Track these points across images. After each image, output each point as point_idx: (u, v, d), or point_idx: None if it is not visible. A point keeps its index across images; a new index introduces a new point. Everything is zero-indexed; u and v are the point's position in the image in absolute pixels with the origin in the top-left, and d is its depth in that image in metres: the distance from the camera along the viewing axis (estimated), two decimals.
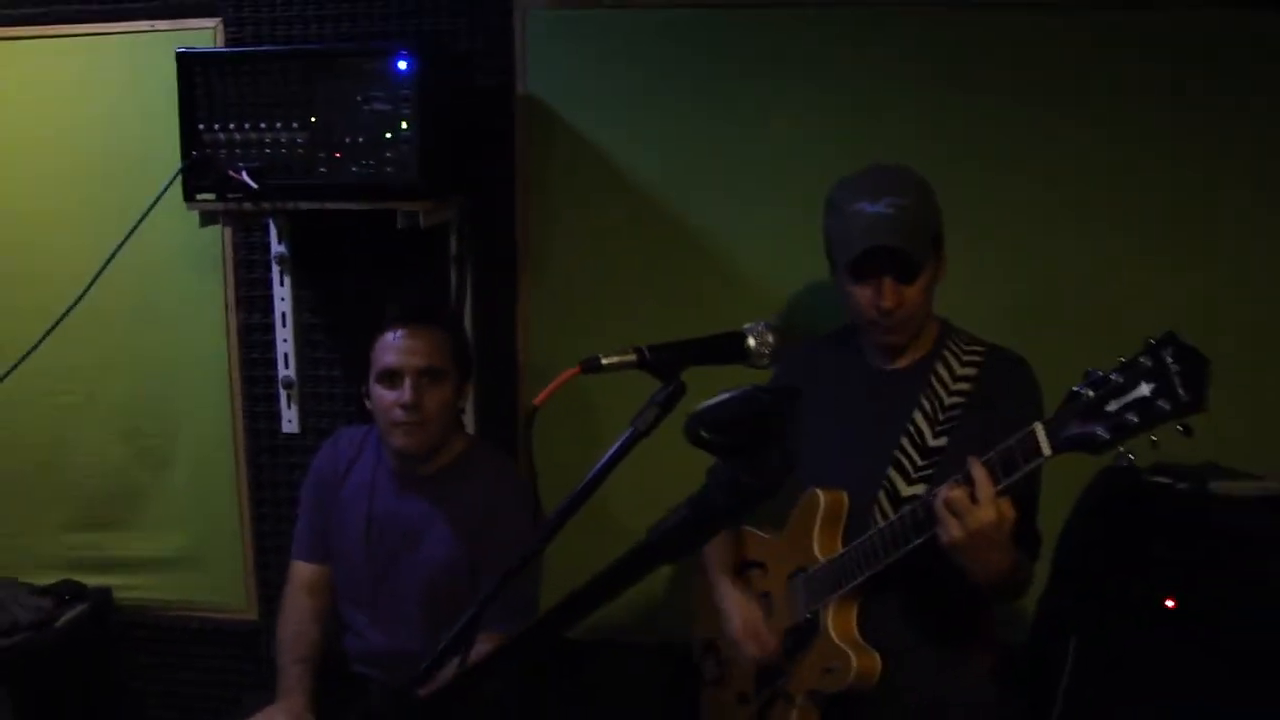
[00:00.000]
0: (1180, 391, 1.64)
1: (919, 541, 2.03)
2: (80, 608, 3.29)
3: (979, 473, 1.89)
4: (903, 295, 2.19)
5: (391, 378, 2.56)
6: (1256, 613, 2.29)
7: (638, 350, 1.44)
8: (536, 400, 1.44)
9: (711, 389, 1.24)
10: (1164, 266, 2.87)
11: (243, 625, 3.37)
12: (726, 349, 1.51)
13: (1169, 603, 2.42)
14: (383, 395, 2.57)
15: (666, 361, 1.44)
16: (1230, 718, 2.25)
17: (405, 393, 2.54)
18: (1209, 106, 2.80)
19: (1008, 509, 1.90)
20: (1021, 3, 2.83)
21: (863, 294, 2.22)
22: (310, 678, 2.61)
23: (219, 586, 3.39)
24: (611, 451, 1.43)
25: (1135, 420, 1.69)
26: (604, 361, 1.44)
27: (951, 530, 1.91)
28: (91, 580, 3.39)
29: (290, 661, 2.63)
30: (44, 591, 3.29)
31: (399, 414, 2.55)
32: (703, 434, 1.18)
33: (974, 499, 1.89)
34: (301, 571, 2.79)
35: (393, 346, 2.56)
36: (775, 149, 2.97)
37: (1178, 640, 2.39)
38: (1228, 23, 2.77)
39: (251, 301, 3.23)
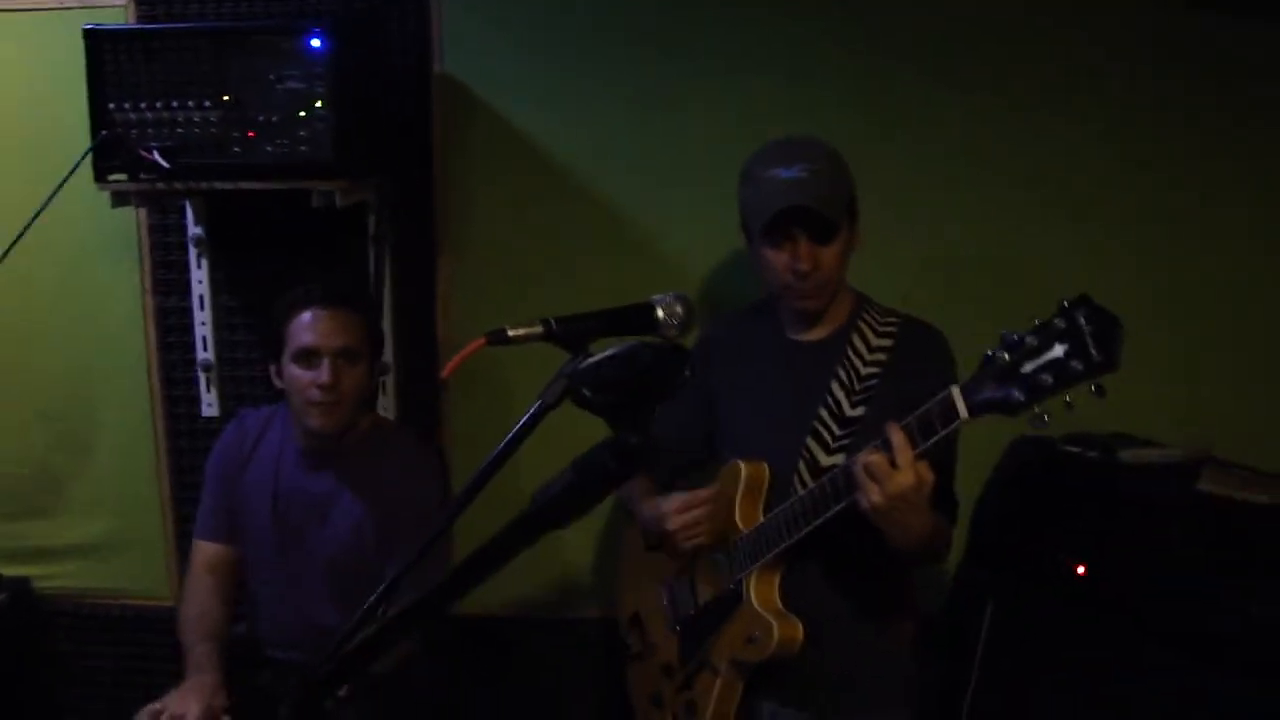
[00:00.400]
0: (1093, 351, 1.65)
1: (839, 508, 2.04)
2: None
3: (897, 437, 1.90)
4: (818, 257, 2.21)
5: (308, 357, 2.55)
6: (1161, 577, 2.35)
7: (544, 322, 1.43)
8: (444, 372, 1.44)
9: None
10: (1088, 240, 2.93)
11: (165, 610, 3.31)
12: (635, 320, 1.50)
13: (1079, 569, 2.48)
14: (299, 375, 2.56)
15: (574, 333, 1.43)
16: (1138, 681, 2.32)
17: (323, 373, 2.53)
18: (1135, 88, 2.87)
19: (926, 473, 1.91)
20: None
21: (778, 259, 2.23)
22: (218, 655, 2.60)
23: (140, 572, 3.37)
24: (520, 425, 1.43)
25: (1050, 381, 1.70)
26: (510, 334, 1.43)
27: (871, 495, 1.91)
28: (10, 570, 3.35)
29: (197, 640, 2.61)
30: None
31: (316, 394, 2.55)
32: (584, 393, 1.18)
33: (893, 464, 1.89)
34: (205, 551, 2.77)
35: (310, 327, 2.55)
36: (691, 127, 2.99)
37: (1088, 605, 2.45)
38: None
39: (169, 284, 3.20)
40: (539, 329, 1.44)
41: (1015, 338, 1.76)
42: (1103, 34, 2.85)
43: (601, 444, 1.18)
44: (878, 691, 2.33)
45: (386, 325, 3.08)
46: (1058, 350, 1.69)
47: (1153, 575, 2.37)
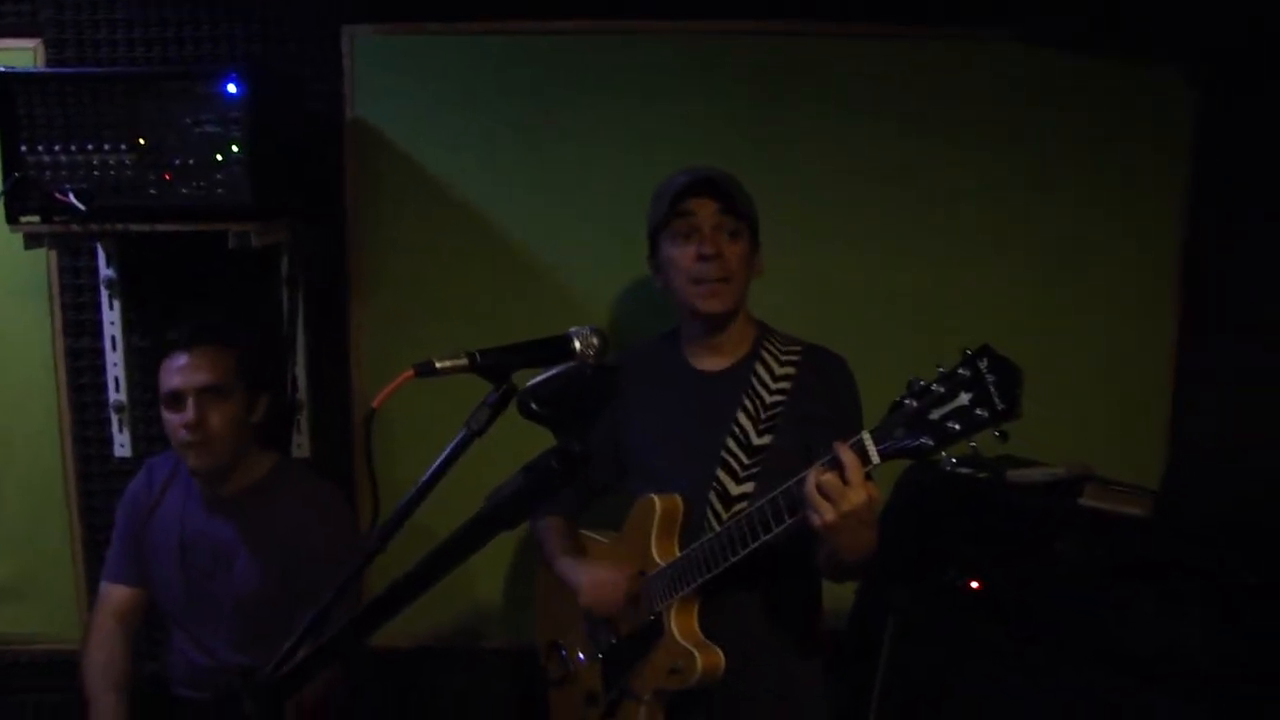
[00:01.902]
0: (996, 401, 1.71)
1: (781, 529, 2.07)
2: None
3: (848, 456, 1.91)
4: (722, 246, 2.29)
5: (175, 400, 2.59)
6: (1048, 588, 2.49)
7: (469, 355, 1.51)
8: (375, 402, 1.50)
9: None
10: (975, 272, 3.12)
11: (77, 655, 3.29)
12: (553, 351, 1.58)
13: (973, 584, 2.61)
14: (170, 418, 2.60)
15: (497, 364, 1.52)
16: (1030, 688, 2.44)
17: (188, 413, 2.57)
18: (1024, 129, 3.09)
19: (875, 490, 1.94)
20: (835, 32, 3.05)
21: (685, 252, 2.31)
22: (125, 706, 2.61)
23: (52, 616, 3.32)
24: (446, 452, 1.50)
25: (957, 429, 1.76)
26: (438, 365, 1.50)
27: (825, 514, 1.92)
28: None
29: (103, 690, 2.62)
30: None
31: (184, 434, 2.58)
32: (533, 406, 1.30)
33: (845, 481, 1.91)
34: (114, 594, 2.78)
35: (174, 369, 2.59)
36: (591, 167, 3.11)
37: (982, 618, 2.57)
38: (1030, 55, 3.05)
39: (80, 326, 3.19)
40: (464, 361, 1.52)
41: (921, 385, 1.82)
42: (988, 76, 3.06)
43: (547, 450, 1.29)
44: (795, 711, 2.42)
45: (300, 365, 3.13)
46: (963, 399, 1.75)
47: (1040, 587, 2.50)
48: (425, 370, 1.51)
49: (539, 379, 1.42)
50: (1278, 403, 2.79)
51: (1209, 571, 2.33)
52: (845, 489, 1.91)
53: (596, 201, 3.10)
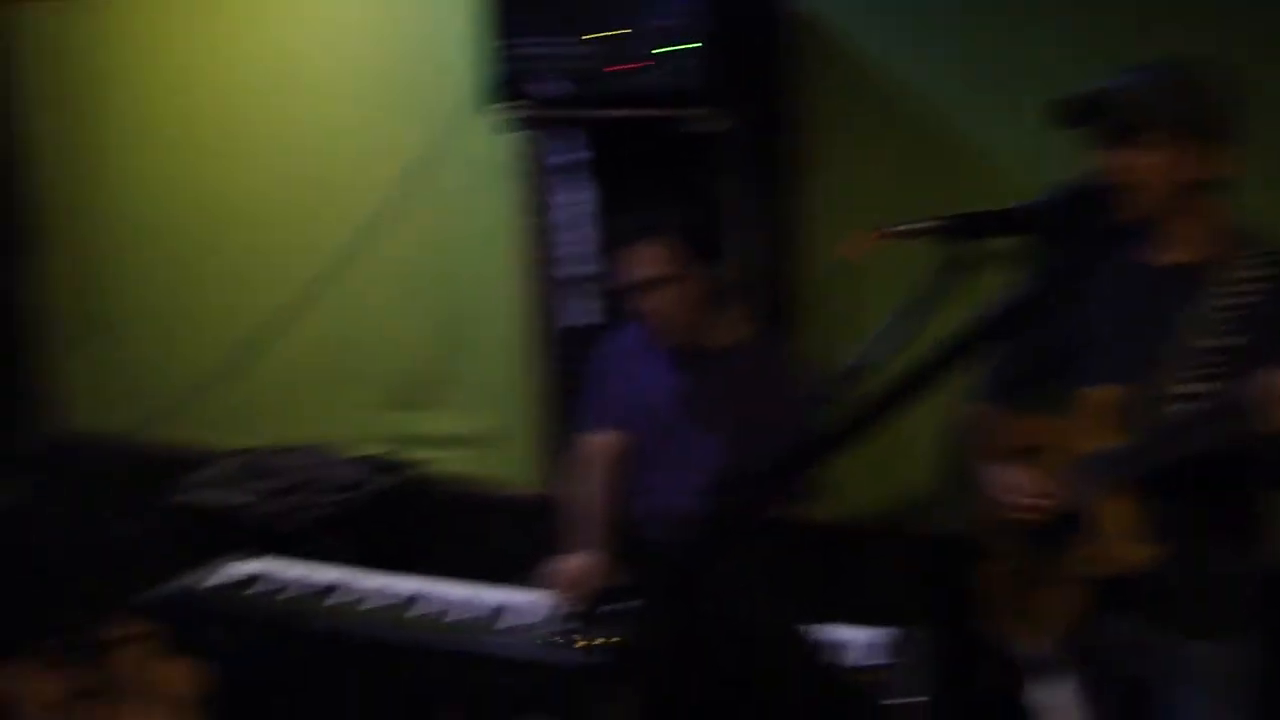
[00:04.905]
0: None
1: (1219, 431, 2.06)
2: (390, 477, 3.77)
3: None
4: (1120, 162, 2.20)
5: (629, 290, 2.81)
6: None
7: (936, 219, 1.62)
8: (849, 254, 1.63)
9: None
10: None
11: (533, 500, 3.68)
12: (1012, 220, 1.66)
13: None
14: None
15: (959, 228, 1.61)
16: None
17: (638, 304, 2.80)
18: None
19: None
20: None
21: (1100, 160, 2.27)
22: (609, 536, 2.85)
23: (515, 464, 3.76)
24: (899, 315, 1.60)
25: None
26: (903, 228, 1.62)
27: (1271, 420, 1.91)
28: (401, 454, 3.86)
29: (589, 526, 2.87)
30: (360, 460, 3.80)
31: (645, 320, 2.83)
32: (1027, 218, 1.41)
33: None
34: (592, 442, 3.02)
35: (622, 264, 2.81)
36: (1043, 58, 3.01)
37: None
38: None
39: (540, 205, 3.51)
40: (931, 224, 1.62)
41: None
42: None
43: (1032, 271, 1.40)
44: (1222, 618, 2.34)
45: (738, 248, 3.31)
46: None
47: None
48: (891, 232, 1.63)
49: (1044, 197, 1.52)
50: None
51: None
52: None
53: (1041, 94, 3.02)
